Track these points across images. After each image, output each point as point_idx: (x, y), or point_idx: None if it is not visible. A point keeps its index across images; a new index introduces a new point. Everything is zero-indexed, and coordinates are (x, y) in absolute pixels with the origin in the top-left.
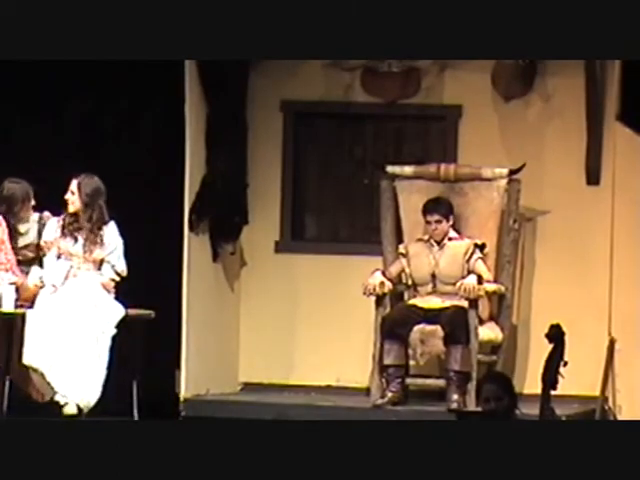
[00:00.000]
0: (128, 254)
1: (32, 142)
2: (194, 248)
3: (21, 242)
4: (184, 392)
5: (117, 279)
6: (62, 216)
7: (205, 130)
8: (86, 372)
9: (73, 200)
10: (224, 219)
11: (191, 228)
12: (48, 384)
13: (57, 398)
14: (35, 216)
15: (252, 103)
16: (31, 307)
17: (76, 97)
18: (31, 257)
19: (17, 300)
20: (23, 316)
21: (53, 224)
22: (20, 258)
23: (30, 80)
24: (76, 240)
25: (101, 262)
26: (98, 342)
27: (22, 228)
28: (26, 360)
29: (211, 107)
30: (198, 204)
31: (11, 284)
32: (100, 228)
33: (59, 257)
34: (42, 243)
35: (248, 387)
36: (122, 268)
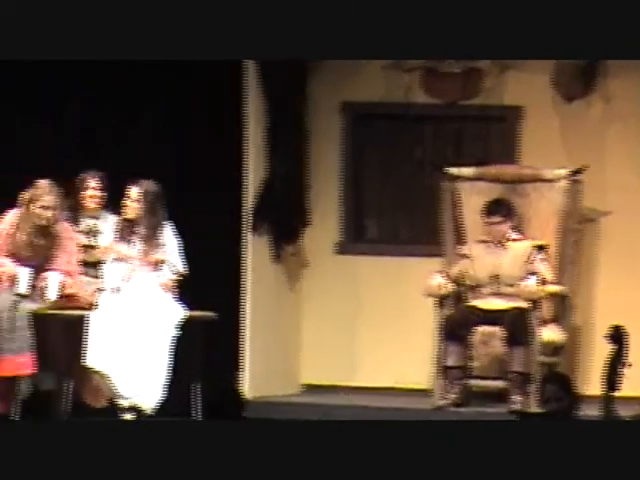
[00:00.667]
0: (189, 256)
1: (32, 142)
2: (255, 249)
3: (93, 241)
4: (246, 394)
5: (176, 279)
6: (118, 220)
7: (265, 132)
8: (149, 374)
9: (134, 207)
10: (285, 221)
11: (253, 230)
12: (111, 387)
13: (117, 402)
14: (114, 218)
15: (312, 105)
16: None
17: (76, 97)
18: (97, 259)
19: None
20: (84, 318)
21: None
22: (86, 258)
23: (30, 80)
24: (133, 243)
25: (159, 263)
26: (160, 343)
27: (92, 224)
28: (89, 362)
29: (271, 109)
30: (259, 206)
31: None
32: (158, 231)
33: (117, 260)
34: (101, 248)
35: (310, 389)
36: (181, 268)
